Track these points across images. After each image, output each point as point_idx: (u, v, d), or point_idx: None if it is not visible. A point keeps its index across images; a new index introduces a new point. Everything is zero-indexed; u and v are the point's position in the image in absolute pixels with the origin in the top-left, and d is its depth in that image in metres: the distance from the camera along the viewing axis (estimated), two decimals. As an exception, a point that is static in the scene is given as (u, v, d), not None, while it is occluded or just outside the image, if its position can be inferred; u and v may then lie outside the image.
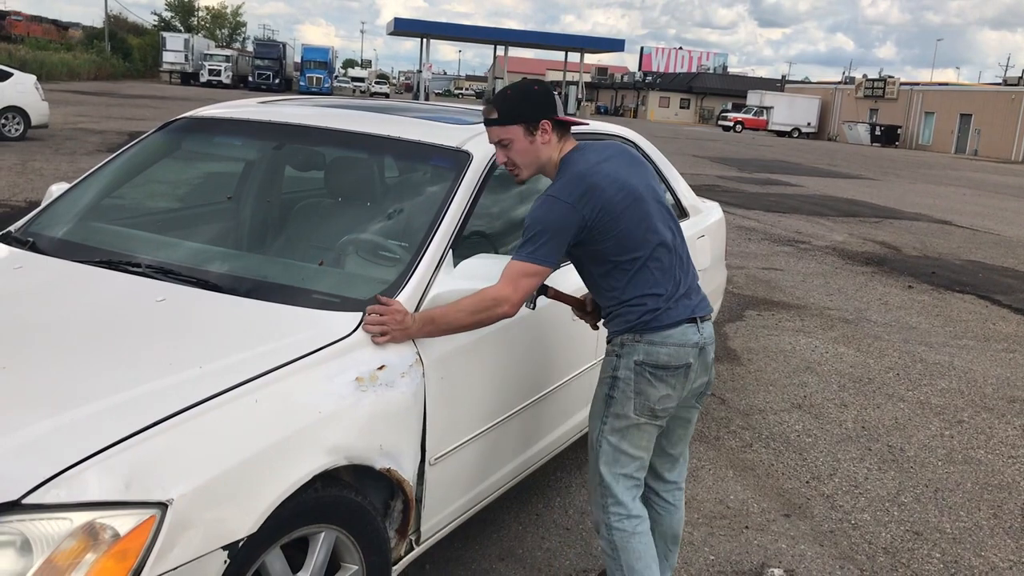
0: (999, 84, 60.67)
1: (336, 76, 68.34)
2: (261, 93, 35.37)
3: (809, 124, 61.34)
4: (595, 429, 2.65)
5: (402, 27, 50.95)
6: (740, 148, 35.29)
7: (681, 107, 78.26)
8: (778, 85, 74.72)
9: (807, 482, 4.13)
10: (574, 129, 2.68)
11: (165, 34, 62.17)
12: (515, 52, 64.28)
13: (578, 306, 2.86)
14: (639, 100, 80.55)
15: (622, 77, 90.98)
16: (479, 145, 2.97)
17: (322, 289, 2.56)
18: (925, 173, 29.16)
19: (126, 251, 2.78)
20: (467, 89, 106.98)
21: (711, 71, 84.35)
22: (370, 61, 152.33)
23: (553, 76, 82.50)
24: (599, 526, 2.68)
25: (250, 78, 57.32)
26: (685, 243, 2.68)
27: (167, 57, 58.44)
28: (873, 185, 22.03)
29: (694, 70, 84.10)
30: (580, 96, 55.19)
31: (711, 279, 4.46)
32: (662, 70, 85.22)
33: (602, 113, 72.66)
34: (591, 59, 71.61)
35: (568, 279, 2.97)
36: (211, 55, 58.70)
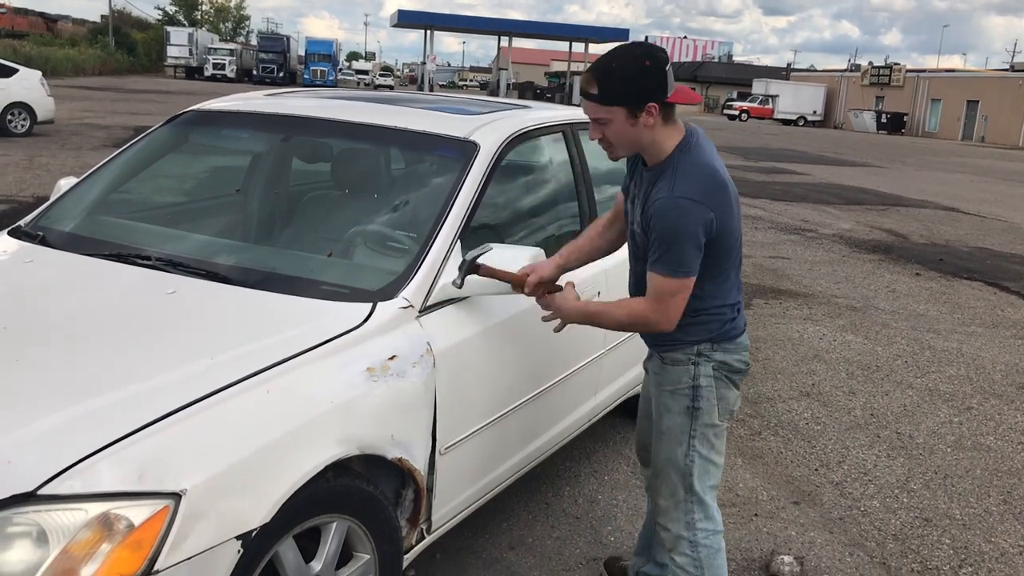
0: (1006, 70, 60.33)
1: (340, 69, 68.32)
2: (265, 87, 35.40)
3: (815, 112, 61.09)
4: (682, 444, 2.50)
5: (406, 19, 50.93)
6: (745, 137, 35.19)
7: (686, 96, 77.91)
8: (783, 73, 74.44)
9: (816, 470, 4.14)
10: None
11: (169, 28, 62.18)
12: (519, 43, 64.17)
13: (517, 283, 2.53)
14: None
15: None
16: (486, 135, 2.97)
17: (331, 280, 2.57)
18: (932, 160, 29.05)
19: (136, 244, 2.78)
20: (471, 81, 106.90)
21: (716, 60, 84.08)
22: (374, 54, 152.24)
23: (557, 67, 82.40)
24: (679, 543, 2.55)
25: (254, 72, 57.28)
26: None
27: (171, 51, 58.44)
28: (880, 173, 21.96)
29: (699, 59, 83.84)
30: (585, 86, 54.90)
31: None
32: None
33: (607, 103, 72.05)
34: (595, 49, 71.44)
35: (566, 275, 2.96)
36: (215, 49, 58.68)
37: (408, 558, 2.55)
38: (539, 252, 2.60)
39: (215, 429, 1.92)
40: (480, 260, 2.50)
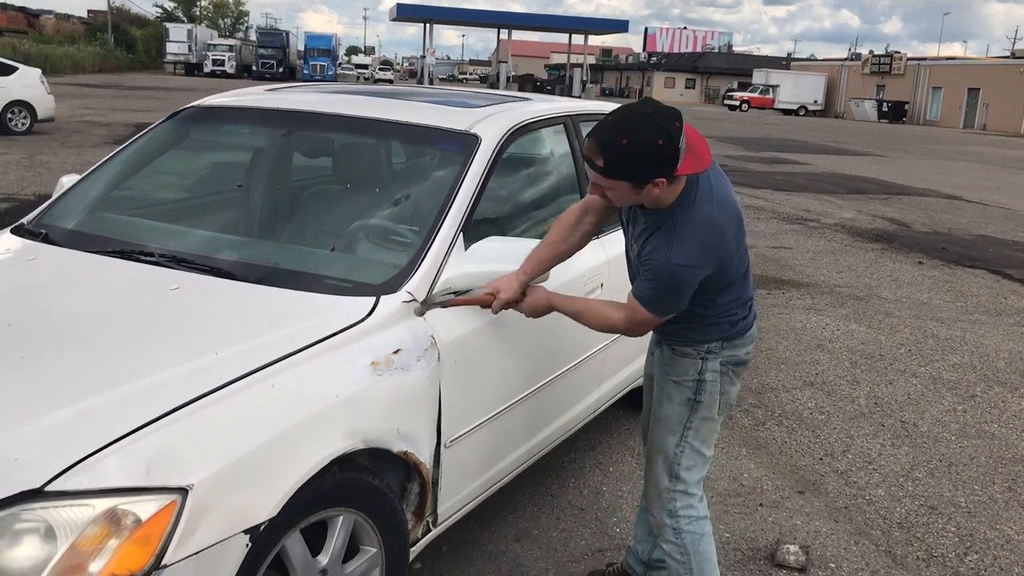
0: (1007, 57, 60.17)
1: (340, 64, 68.10)
2: (265, 82, 35.37)
3: (816, 102, 60.96)
4: (675, 433, 2.55)
5: (405, 13, 50.83)
6: (746, 127, 35.13)
7: (686, 87, 77.89)
8: (784, 63, 74.28)
9: (821, 459, 4.14)
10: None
11: (168, 25, 62.09)
12: (519, 35, 64.08)
13: (483, 304, 2.56)
14: (644, 81, 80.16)
15: (627, 58, 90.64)
16: (487, 128, 2.97)
17: (335, 275, 2.57)
18: (933, 148, 28.99)
19: (139, 241, 2.78)
20: (471, 74, 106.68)
21: (716, 50, 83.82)
22: (373, 48, 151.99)
23: (557, 59, 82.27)
24: (663, 530, 2.61)
25: (254, 67, 57.22)
26: None
27: (171, 48, 58.37)
28: (881, 162, 21.92)
29: (699, 50, 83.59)
30: (585, 78, 55.00)
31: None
32: (667, 50, 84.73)
33: (607, 95, 72.31)
34: (595, 41, 71.40)
35: (569, 268, 2.97)
36: (214, 45, 58.61)
37: (414, 551, 2.56)
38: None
39: (221, 424, 1.92)
40: (442, 299, 2.50)
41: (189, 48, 58.11)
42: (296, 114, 3.31)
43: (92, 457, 1.74)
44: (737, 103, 58.67)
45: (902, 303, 7.25)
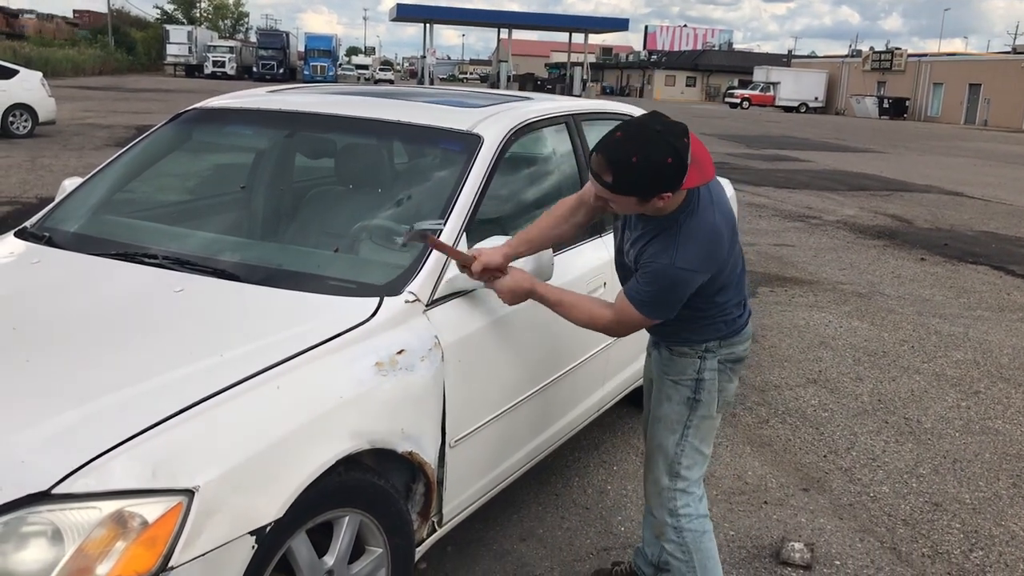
0: (1008, 53, 60.05)
1: (340, 64, 68.18)
2: (266, 83, 35.35)
3: (816, 99, 60.93)
4: (675, 432, 2.56)
5: (405, 13, 50.84)
6: (748, 125, 35.11)
7: (687, 85, 77.82)
8: (784, 60, 74.22)
9: (825, 456, 4.14)
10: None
11: (168, 27, 62.16)
12: (519, 35, 64.07)
13: (464, 263, 2.51)
14: (645, 79, 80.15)
15: (627, 56, 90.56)
16: (489, 128, 2.97)
17: (338, 275, 2.57)
18: (935, 145, 28.96)
19: (142, 243, 2.79)
20: (471, 73, 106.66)
21: (716, 48, 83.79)
22: (374, 48, 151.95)
23: (558, 57, 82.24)
24: (664, 529, 2.61)
25: (254, 68, 57.26)
26: None
27: (171, 50, 58.44)
28: (883, 158, 21.90)
29: (699, 47, 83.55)
30: (585, 77, 55.00)
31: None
32: (667, 48, 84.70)
33: (608, 93, 72.32)
34: (595, 39, 71.35)
35: (572, 266, 2.97)
36: (215, 47, 58.67)
37: (420, 551, 2.56)
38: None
39: (226, 426, 1.92)
40: (428, 233, 2.45)
41: (189, 50, 58.17)
42: (298, 115, 3.32)
43: (98, 460, 1.75)
44: (738, 101, 58.63)
45: (905, 300, 7.24)
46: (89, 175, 3.35)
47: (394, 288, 2.48)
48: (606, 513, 3.48)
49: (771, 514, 3.56)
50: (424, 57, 55.11)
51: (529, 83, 61.29)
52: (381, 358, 2.28)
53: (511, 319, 2.74)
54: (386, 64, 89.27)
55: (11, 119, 15.31)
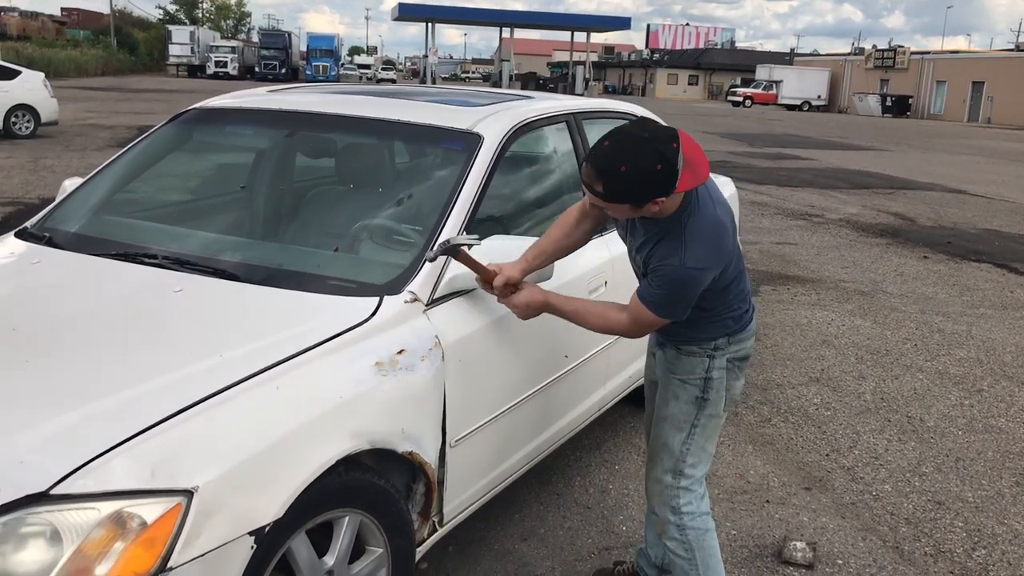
0: (1011, 50, 59.97)
1: (342, 64, 68.20)
2: (268, 83, 35.26)
3: (819, 97, 60.85)
4: (682, 431, 2.56)
5: (407, 12, 50.87)
6: (750, 123, 35.07)
7: (690, 84, 77.75)
8: (787, 59, 74.11)
9: (827, 455, 4.13)
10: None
11: (170, 27, 62.23)
12: (521, 34, 64.06)
13: (485, 278, 2.51)
14: (647, 78, 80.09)
15: (629, 55, 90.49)
16: (489, 127, 2.96)
17: (338, 275, 2.57)
18: (938, 142, 28.91)
19: (142, 243, 2.79)
20: (474, 72, 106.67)
21: (719, 47, 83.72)
22: (375, 48, 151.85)
23: (560, 56, 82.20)
24: (667, 528, 2.61)
25: (256, 68, 57.30)
26: None
27: (173, 50, 58.51)
28: (885, 156, 21.87)
29: (701, 46, 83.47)
30: (587, 76, 54.99)
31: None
32: (669, 47, 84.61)
33: (610, 92, 72.27)
34: (597, 38, 71.29)
35: (573, 266, 2.96)
36: (217, 47, 58.73)
37: (420, 551, 2.56)
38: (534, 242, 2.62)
39: (226, 426, 1.92)
40: (462, 247, 2.46)
41: (192, 50, 58.22)
42: (298, 115, 3.31)
43: (97, 460, 1.74)
44: (740, 99, 58.59)
45: (908, 298, 7.23)
46: (89, 175, 3.35)
47: (394, 288, 2.47)
48: (608, 512, 3.47)
49: (773, 513, 3.55)
50: (426, 56, 55.15)
51: (531, 82, 61.27)
52: (381, 358, 2.28)
53: (512, 319, 2.73)
54: (388, 64, 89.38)
55: (13, 120, 15.34)
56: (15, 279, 2.71)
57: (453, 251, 2.45)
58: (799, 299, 7.04)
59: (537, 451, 3.12)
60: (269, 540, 1.92)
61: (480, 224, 2.78)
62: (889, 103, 54.31)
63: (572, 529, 3.34)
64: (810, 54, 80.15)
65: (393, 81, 66.20)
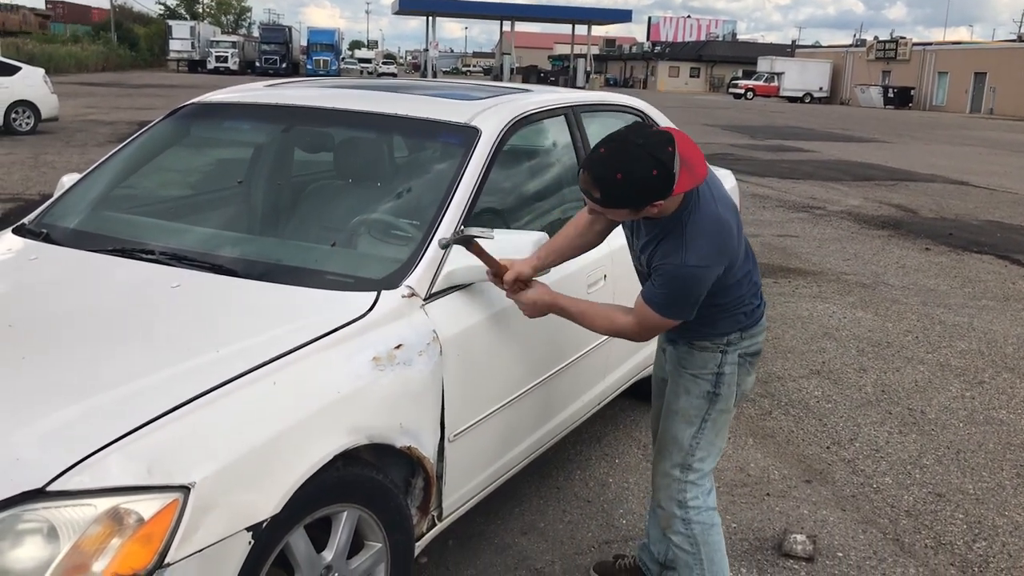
0: (1014, 41, 59.76)
1: (343, 58, 68.19)
2: (269, 78, 35.08)
3: (821, 89, 60.69)
4: (693, 425, 2.56)
5: (407, 6, 50.77)
6: (752, 115, 35.00)
7: (691, 76, 77.58)
8: (788, 50, 73.91)
9: (828, 447, 4.13)
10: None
11: (171, 22, 62.19)
12: (522, 27, 63.94)
13: (498, 273, 2.52)
14: (648, 71, 79.92)
15: (631, 48, 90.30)
16: (487, 120, 2.95)
17: (336, 270, 2.56)
18: (940, 134, 28.85)
19: (139, 239, 2.78)
20: (475, 66, 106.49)
21: (720, 39, 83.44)
22: (376, 42, 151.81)
23: (561, 49, 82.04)
24: (672, 522, 2.61)
25: (257, 63, 57.20)
26: None
27: (174, 45, 58.44)
28: (887, 148, 21.82)
29: (703, 38, 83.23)
30: (589, 69, 54.90)
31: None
32: (671, 39, 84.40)
33: (612, 85, 72.09)
34: (599, 31, 71.21)
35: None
36: (217, 42, 58.61)
37: (420, 545, 2.56)
38: (543, 236, 2.60)
39: (223, 422, 1.92)
40: (477, 239, 2.46)
41: (192, 45, 58.15)
42: (296, 109, 3.31)
43: (93, 456, 1.74)
44: (742, 91, 58.44)
45: (909, 290, 7.22)
46: (87, 171, 3.35)
47: (391, 282, 2.47)
48: (608, 506, 3.47)
49: (773, 506, 3.55)
50: (427, 50, 55.04)
51: (532, 75, 61.20)
52: (379, 353, 2.28)
53: (510, 313, 2.73)
54: (389, 58, 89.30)
55: (14, 116, 15.34)
56: (12, 276, 2.71)
57: (466, 241, 2.45)
58: (800, 291, 7.03)
59: (537, 445, 3.11)
60: (267, 535, 1.91)
61: (478, 217, 2.77)
62: (891, 95, 54.14)
63: (572, 523, 3.34)
64: (812, 46, 79.97)
65: (394, 75, 66.13)
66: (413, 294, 2.45)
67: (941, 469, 3.95)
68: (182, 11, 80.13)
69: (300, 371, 2.11)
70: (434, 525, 2.61)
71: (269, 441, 1.94)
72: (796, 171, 15.60)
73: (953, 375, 5.19)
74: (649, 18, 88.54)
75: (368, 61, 74.50)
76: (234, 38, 62.89)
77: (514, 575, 2.99)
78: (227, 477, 1.84)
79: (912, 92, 54.99)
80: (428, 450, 2.41)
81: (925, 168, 17.03)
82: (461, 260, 2.55)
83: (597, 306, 2.55)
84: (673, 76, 76.77)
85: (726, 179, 4.82)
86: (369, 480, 2.23)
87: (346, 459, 2.14)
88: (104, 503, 1.71)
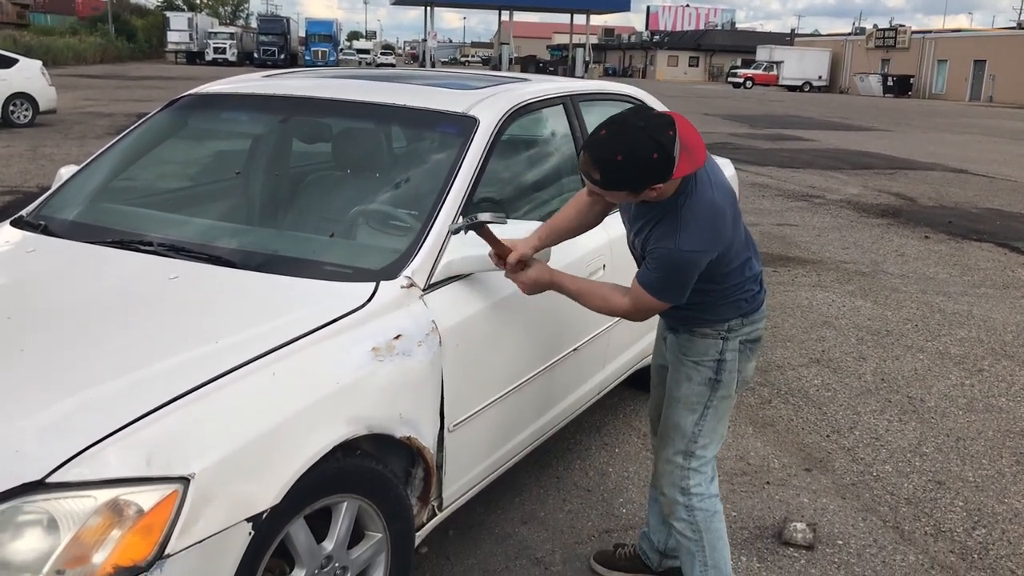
0: (1013, 28, 59.61)
1: (341, 49, 68.00)
2: (267, 69, 35.01)
3: (820, 77, 60.54)
4: (695, 412, 2.56)
5: (405, -4, 50.56)
6: (751, 104, 34.93)
7: (690, 65, 77.38)
8: (787, 39, 73.70)
9: (827, 436, 4.13)
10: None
11: (168, 14, 61.99)
12: (520, 17, 63.79)
13: (500, 254, 2.51)
14: (647, 60, 79.72)
15: (629, 37, 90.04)
16: (485, 110, 2.94)
17: (334, 260, 2.56)
18: (939, 122, 28.80)
19: (137, 230, 2.78)
20: (473, 56, 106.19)
21: (719, 28, 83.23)
22: (374, 32, 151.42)
23: (560, 39, 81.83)
24: (675, 508, 2.62)
25: (255, 54, 57.02)
26: None
27: (172, 37, 58.26)
28: (887, 136, 21.79)
29: (702, 27, 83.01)
30: (587, 58, 54.76)
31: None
32: (669, 28, 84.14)
33: (610, 74, 71.86)
34: (597, 20, 70.96)
35: (572, 248, 2.95)
36: (215, 33, 58.43)
37: (420, 535, 2.56)
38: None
39: (222, 413, 1.92)
40: (488, 224, 2.46)
41: (190, 37, 57.96)
42: (293, 100, 3.30)
43: (93, 448, 1.74)
44: (741, 80, 58.28)
45: (908, 278, 7.21)
46: (85, 163, 3.34)
47: (390, 272, 2.46)
48: (608, 495, 3.48)
49: (773, 495, 3.55)
50: (425, 40, 54.92)
51: (531, 65, 61.09)
52: (378, 343, 2.27)
53: (509, 303, 2.73)
54: (387, 48, 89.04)
55: (12, 108, 15.29)
56: (10, 268, 2.71)
57: (479, 227, 2.46)
58: (800, 280, 7.03)
59: (536, 435, 3.12)
60: (267, 526, 1.92)
61: (477, 207, 2.77)
62: (890, 83, 54.04)
63: (572, 512, 3.34)
64: (811, 34, 79.80)
65: (392, 66, 65.92)
66: (412, 284, 2.45)
67: (941, 457, 3.95)
68: (180, 3, 79.86)
69: (299, 362, 2.11)
70: (434, 515, 2.62)
71: (268, 432, 1.94)
72: (795, 160, 15.58)
73: (952, 363, 5.19)
74: (648, 7, 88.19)
75: (366, 52, 74.26)
76: (232, 29, 62.71)
77: (514, 565, 3.00)
78: (227, 468, 1.84)
79: (911, 80, 54.89)
80: (428, 440, 2.41)
81: (924, 156, 17.01)
82: (460, 250, 2.55)
83: (595, 285, 2.56)
84: (672, 65, 76.58)
85: (725, 168, 4.80)
86: (369, 470, 2.24)
87: (346, 449, 2.14)
88: (104, 495, 1.71)
